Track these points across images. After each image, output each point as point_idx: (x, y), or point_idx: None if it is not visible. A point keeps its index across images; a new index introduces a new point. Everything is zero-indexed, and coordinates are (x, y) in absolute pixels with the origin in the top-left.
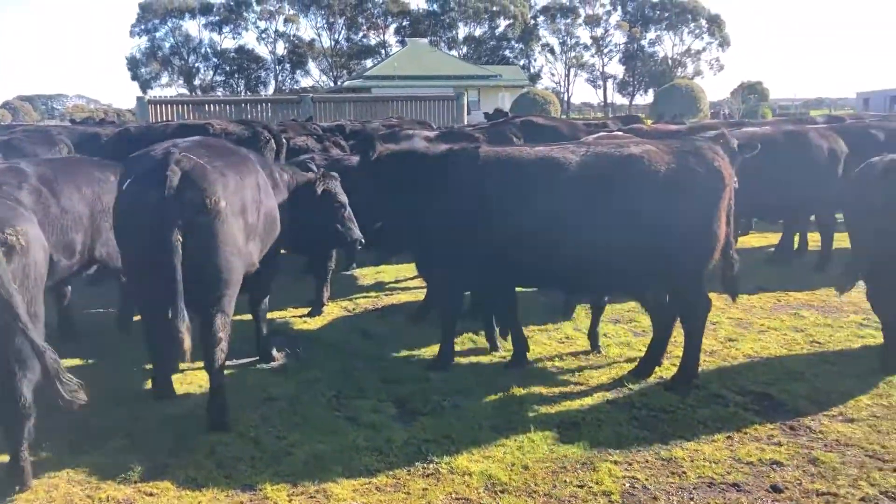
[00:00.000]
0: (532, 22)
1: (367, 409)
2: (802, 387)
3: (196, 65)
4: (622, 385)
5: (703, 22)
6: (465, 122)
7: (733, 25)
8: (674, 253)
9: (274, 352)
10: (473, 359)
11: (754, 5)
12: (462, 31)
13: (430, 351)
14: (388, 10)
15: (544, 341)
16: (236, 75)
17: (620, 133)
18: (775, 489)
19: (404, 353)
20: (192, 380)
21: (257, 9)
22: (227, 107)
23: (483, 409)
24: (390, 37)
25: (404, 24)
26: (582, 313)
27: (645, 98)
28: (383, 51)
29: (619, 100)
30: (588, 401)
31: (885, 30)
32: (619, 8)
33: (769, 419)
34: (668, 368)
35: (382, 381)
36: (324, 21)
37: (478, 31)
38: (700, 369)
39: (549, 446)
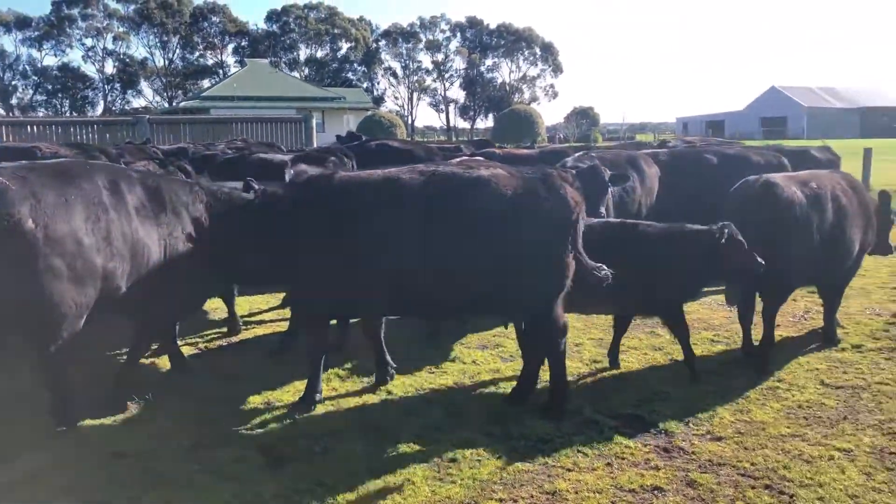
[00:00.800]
0: (374, 45)
1: (229, 459)
2: (670, 407)
3: (13, 83)
4: (497, 415)
5: (538, 50)
6: (315, 145)
7: (566, 54)
8: (519, 280)
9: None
10: (342, 395)
11: (585, 35)
12: (303, 53)
13: (295, 389)
14: (225, 30)
15: (415, 371)
16: (60, 95)
17: (480, 158)
18: None
19: (266, 393)
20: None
21: (82, 25)
22: (52, 128)
23: (357, 452)
24: (228, 57)
25: (243, 44)
26: (448, 340)
27: (485, 122)
28: (221, 71)
29: (462, 124)
30: (465, 434)
31: (702, 61)
32: (458, 34)
33: (644, 442)
34: (542, 392)
35: (245, 426)
36: (157, 39)
37: (319, 53)
38: (571, 394)
39: (431, 488)
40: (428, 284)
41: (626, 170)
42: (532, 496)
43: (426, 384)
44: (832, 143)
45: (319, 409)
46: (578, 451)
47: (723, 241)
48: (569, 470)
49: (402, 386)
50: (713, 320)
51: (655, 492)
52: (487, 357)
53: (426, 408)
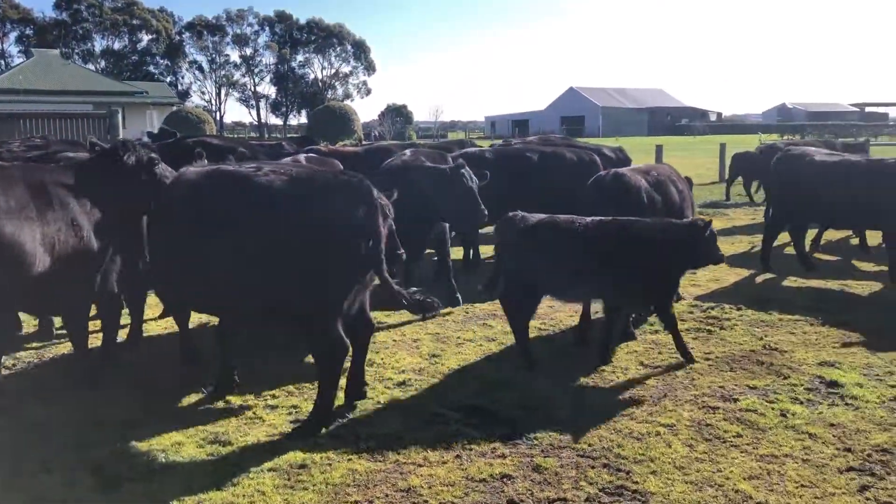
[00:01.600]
0: (178, 38)
1: (56, 484)
2: (510, 395)
3: None
4: (341, 416)
5: (350, 47)
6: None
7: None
8: (294, 288)
9: None
10: (183, 406)
11: (397, 33)
12: (99, 44)
13: (128, 403)
14: (5, 16)
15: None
16: None
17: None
18: (512, 503)
19: (97, 410)
20: None
21: None
22: None
23: (199, 464)
24: (11, 46)
25: (27, 32)
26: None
27: (298, 118)
28: (3, 62)
29: (274, 120)
30: (312, 439)
31: (511, 61)
32: (267, 28)
33: (489, 432)
34: (382, 392)
35: (71, 447)
36: None
37: (117, 45)
38: (415, 388)
39: (283, 496)
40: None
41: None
42: (387, 495)
43: (268, 390)
44: (625, 141)
45: (158, 423)
46: (428, 446)
47: (707, 233)
48: (420, 465)
49: (242, 393)
50: (541, 310)
51: (505, 479)
52: None
53: (267, 413)
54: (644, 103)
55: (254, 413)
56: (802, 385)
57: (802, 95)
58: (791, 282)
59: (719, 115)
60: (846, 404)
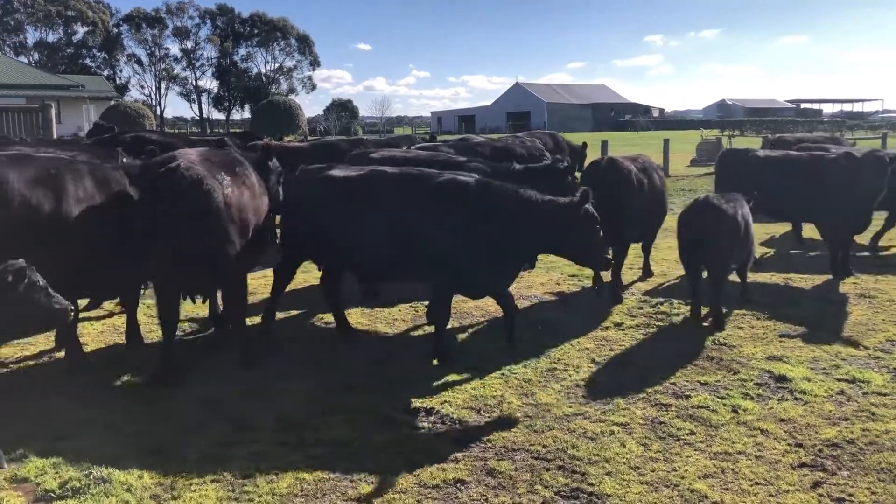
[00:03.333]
0: (115, 31)
1: None
2: (460, 396)
3: None
4: (290, 423)
5: (294, 41)
6: (55, 137)
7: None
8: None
9: None
10: (120, 417)
11: (343, 27)
12: (32, 36)
13: (62, 419)
14: None
15: (199, 382)
16: None
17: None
18: None
19: (21, 423)
20: None
21: None
22: None
23: (139, 480)
24: None
25: None
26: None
27: (241, 113)
28: None
29: (216, 114)
30: (258, 447)
31: (459, 62)
32: (208, 21)
33: (440, 435)
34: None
35: None
36: None
37: (51, 37)
38: (363, 391)
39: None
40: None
41: None
42: None
43: (210, 395)
44: (571, 136)
45: (93, 436)
46: (378, 452)
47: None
48: (371, 472)
49: (184, 400)
50: (490, 306)
51: (459, 485)
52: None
53: (212, 422)
54: (588, 99)
55: (195, 422)
56: (752, 380)
57: (740, 92)
58: (736, 276)
59: (661, 111)
60: (795, 399)
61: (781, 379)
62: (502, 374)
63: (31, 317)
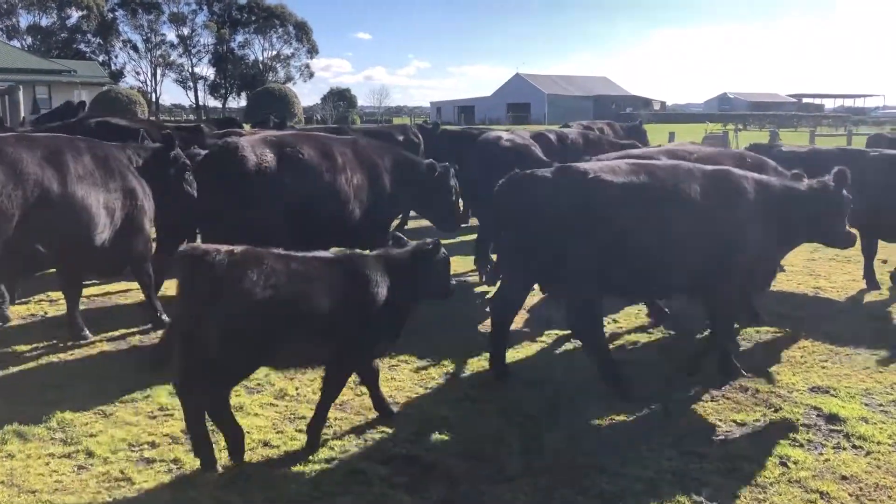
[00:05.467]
0: (111, 15)
1: None
2: (452, 439)
3: None
4: (235, 477)
5: (291, 28)
6: (23, 121)
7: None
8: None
9: None
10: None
11: (342, 16)
12: (25, 20)
13: None
14: None
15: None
16: None
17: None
18: None
19: None
20: None
21: None
22: None
23: None
24: None
25: None
26: None
27: (238, 101)
28: None
29: (213, 102)
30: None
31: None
32: (205, 8)
33: (423, 495)
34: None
35: None
36: None
37: (45, 21)
38: (332, 431)
39: None
40: None
41: None
42: None
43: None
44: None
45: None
46: None
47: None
48: None
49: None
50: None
51: None
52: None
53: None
54: (590, 91)
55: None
56: (798, 419)
57: (742, 85)
58: None
59: (663, 104)
60: (854, 447)
61: (832, 419)
62: (503, 413)
63: (442, 288)
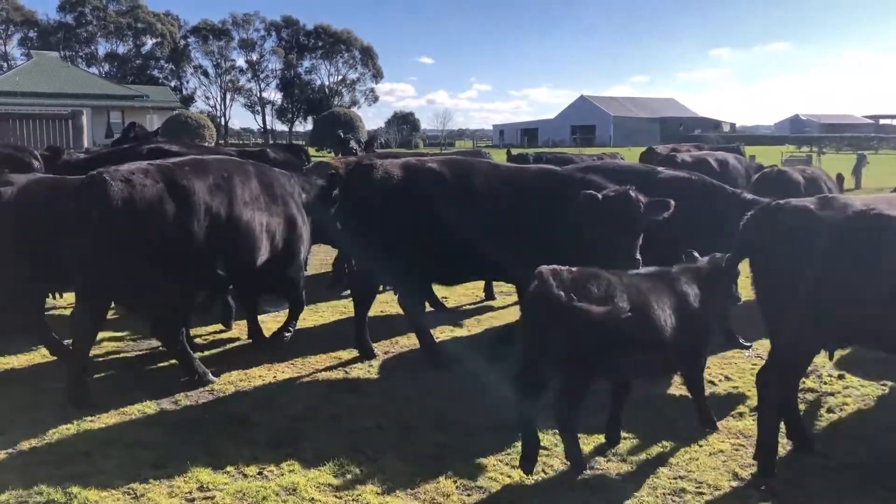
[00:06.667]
0: (182, 42)
1: None
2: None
3: None
4: None
5: (357, 53)
6: (86, 146)
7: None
8: None
9: None
10: None
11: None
12: (103, 48)
13: None
14: (9, 19)
15: None
16: None
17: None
18: None
19: None
20: None
21: None
22: None
23: None
24: (14, 49)
25: (31, 34)
26: None
27: (304, 125)
28: (5, 64)
29: (280, 126)
30: None
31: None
32: (273, 34)
33: None
34: None
35: None
36: None
37: (121, 49)
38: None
39: None
40: None
41: None
42: None
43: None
44: (638, 150)
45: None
46: None
47: None
48: None
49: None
50: None
51: None
52: None
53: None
54: (656, 113)
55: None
56: None
57: (814, 107)
58: None
59: (732, 125)
60: None
61: None
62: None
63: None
